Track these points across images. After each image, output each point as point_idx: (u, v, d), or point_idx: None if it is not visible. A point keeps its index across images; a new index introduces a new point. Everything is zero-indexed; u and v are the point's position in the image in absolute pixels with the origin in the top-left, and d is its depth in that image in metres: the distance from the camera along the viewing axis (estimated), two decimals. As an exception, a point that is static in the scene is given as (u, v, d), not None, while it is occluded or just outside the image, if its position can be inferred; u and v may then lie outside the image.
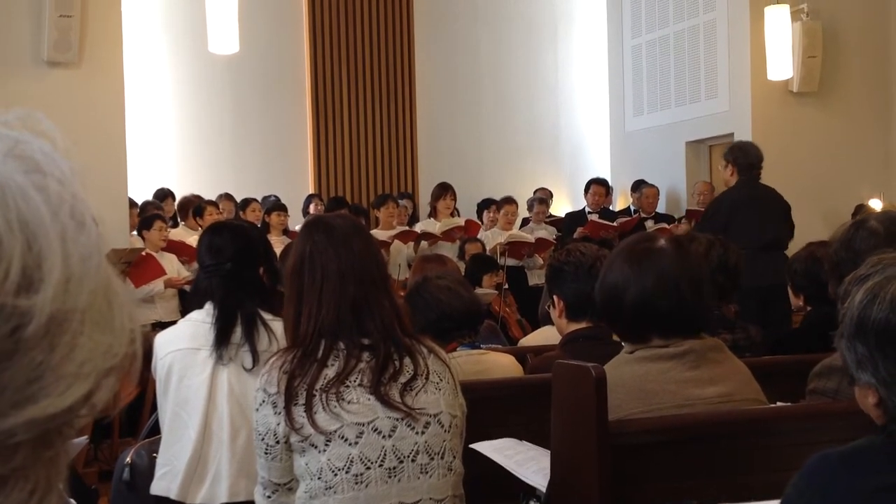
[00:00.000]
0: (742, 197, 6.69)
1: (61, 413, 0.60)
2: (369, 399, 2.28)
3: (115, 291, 0.65)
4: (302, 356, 2.30)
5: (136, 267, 6.84)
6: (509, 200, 9.01)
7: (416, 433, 2.31)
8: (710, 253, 3.48)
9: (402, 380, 2.31)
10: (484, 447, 2.56)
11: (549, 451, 2.42)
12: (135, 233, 7.86)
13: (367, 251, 2.41)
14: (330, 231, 2.40)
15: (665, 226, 8.77)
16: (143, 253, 7.05)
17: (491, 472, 2.48)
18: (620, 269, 2.45)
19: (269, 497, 2.38)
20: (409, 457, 2.30)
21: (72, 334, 0.61)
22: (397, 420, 2.29)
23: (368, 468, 2.26)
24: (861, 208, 8.33)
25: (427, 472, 2.31)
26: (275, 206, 8.82)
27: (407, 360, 2.33)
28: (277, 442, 2.30)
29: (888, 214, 2.94)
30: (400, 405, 2.29)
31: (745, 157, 6.76)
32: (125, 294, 0.66)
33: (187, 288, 7.04)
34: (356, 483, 2.26)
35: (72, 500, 0.84)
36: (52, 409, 0.60)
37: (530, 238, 8.61)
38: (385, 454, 2.28)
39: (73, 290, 0.61)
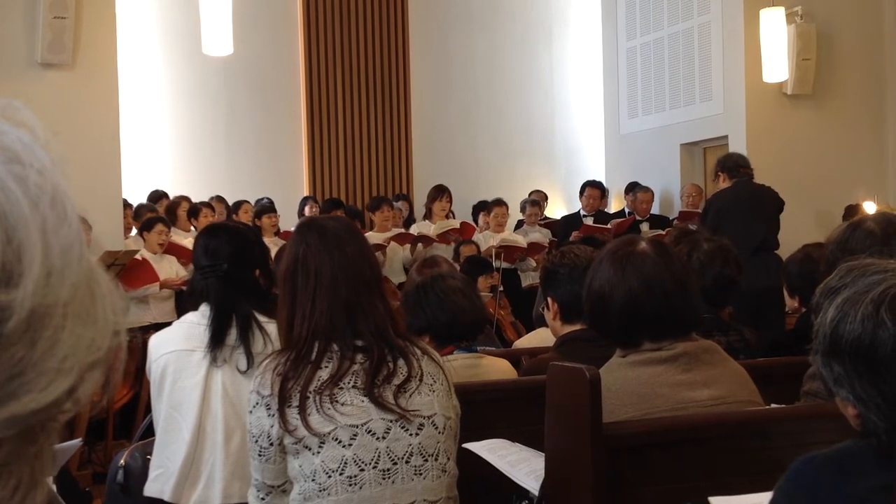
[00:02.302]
0: (731, 199, 6.78)
1: (44, 408, 0.59)
2: (363, 401, 2.28)
3: (98, 284, 0.63)
4: (296, 358, 2.30)
5: (130, 271, 6.82)
6: (499, 202, 9.02)
7: (410, 435, 2.30)
8: (706, 271, 3.43)
9: (396, 381, 2.31)
10: (476, 447, 2.55)
11: (541, 453, 2.41)
12: (134, 232, 7.87)
13: (360, 253, 2.41)
14: (323, 233, 2.40)
15: (660, 232, 8.78)
16: (139, 257, 7.03)
17: (485, 473, 2.48)
18: (605, 274, 2.45)
19: (262, 499, 2.38)
20: (402, 458, 2.29)
21: (53, 329, 0.60)
22: (391, 422, 2.29)
23: (362, 470, 2.26)
24: (851, 209, 8.35)
25: (421, 474, 2.31)
26: (264, 208, 8.81)
27: (401, 362, 2.33)
28: (271, 444, 2.30)
29: (885, 216, 2.94)
30: (394, 407, 2.29)
31: (728, 160, 6.98)
32: (108, 286, 0.64)
33: (184, 289, 7.03)
34: (350, 485, 2.25)
35: (62, 501, 0.83)
36: (34, 405, 0.59)
37: (523, 243, 8.61)
38: (379, 456, 2.27)
39: (55, 284, 0.59)
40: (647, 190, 9.76)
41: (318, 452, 2.25)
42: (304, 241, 2.40)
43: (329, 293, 2.33)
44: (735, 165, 6.93)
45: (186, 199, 8.73)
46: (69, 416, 0.63)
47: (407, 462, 2.30)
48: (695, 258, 3.42)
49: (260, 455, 2.32)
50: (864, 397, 1.51)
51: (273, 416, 2.27)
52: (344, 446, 2.25)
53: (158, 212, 8.44)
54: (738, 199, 6.79)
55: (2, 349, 0.58)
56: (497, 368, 3.36)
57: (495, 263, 8.03)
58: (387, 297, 2.45)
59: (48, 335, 0.59)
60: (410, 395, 2.32)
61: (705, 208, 7.20)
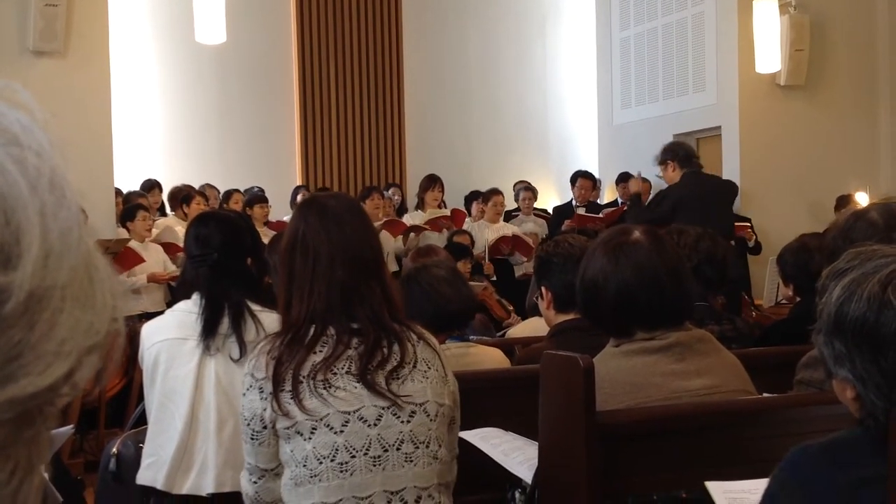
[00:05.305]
0: (687, 194, 6.59)
1: (42, 392, 0.59)
2: (356, 387, 2.27)
3: (97, 267, 0.63)
4: (291, 341, 2.28)
5: (116, 260, 6.79)
6: (497, 191, 9.01)
7: (402, 422, 2.30)
8: (699, 245, 3.47)
9: (389, 367, 2.30)
10: (469, 435, 2.55)
11: (535, 442, 2.42)
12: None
13: (360, 233, 2.37)
14: (323, 212, 2.37)
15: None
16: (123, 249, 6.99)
17: (478, 462, 2.48)
18: (598, 264, 2.45)
19: (255, 482, 2.38)
20: (393, 445, 2.29)
21: (52, 312, 0.59)
22: (383, 409, 2.28)
23: (353, 457, 2.25)
24: (843, 200, 8.37)
25: (412, 461, 2.30)
26: (255, 198, 8.79)
27: (395, 348, 2.31)
28: (264, 427, 2.29)
29: (888, 207, 2.95)
30: (386, 392, 2.27)
31: (680, 149, 6.82)
32: (107, 271, 0.64)
33: (172, 283, 7.02)
34: (341, 471, 2.25)
35: (54, 489, 0.83)
36: (31, 388, 0.58)
37: (514, 231, 8.62)
38: (370, 443, 2.27)
39: (53, 267, 0.59)
40: (645, 180, 9.76)
41: (310, 438, 2.25)
42: (304, 219, 2.37)
43: (326, 274, 2.31)
44: (687, 156, 6.74)
45: (190, 187, 8.71)
46: (67, 400, 0.62)
47: (398, 449, 2.29)
48: (682, 241, 3.43)
49: (253, 438, 2.32)
50: (864, 376, 1.53)
51: (266, 399, 2.27)
52: (335, 433, 2.25)
53: (148, 200, 8.43)
54: (695, 193, 6.58)
55: None
56: (488, 357, 3.36)
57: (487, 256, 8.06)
58: (387, 279, 2.41)
59: (46, 318, 0.59)
60: (403, 381, 2.31)
61: (656, 201, 6.97)
